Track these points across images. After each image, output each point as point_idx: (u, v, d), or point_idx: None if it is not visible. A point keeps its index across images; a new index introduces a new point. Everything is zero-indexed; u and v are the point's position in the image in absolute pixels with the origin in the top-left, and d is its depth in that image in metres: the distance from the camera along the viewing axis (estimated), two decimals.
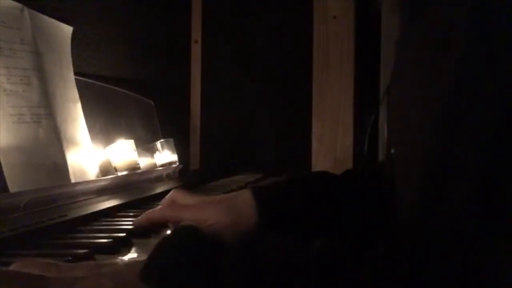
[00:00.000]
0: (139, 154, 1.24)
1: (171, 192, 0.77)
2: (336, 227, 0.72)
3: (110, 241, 0.66)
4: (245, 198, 0.71)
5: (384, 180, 0.67)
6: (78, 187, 0.99)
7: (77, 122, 1.08)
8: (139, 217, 0.74)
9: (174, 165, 1.43)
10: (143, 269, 0.45)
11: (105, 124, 1.22)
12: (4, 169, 0.85)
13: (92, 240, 0.68)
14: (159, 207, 0.75)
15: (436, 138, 0.49)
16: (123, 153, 1.19)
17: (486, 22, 0.47)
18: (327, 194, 0.73)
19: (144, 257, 0.48)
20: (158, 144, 1.40)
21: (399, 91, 0.63)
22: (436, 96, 0.50)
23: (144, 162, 1.31)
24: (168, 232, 0.73)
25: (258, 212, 0.69)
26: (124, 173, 1.17)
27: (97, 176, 1.10)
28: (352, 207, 0.73)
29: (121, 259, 0.50)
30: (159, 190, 1.16)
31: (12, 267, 0.48)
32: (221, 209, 0.69)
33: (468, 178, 0.45)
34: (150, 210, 0.74)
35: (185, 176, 1.49)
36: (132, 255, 0.63)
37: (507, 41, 0.45)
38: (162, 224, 0.74)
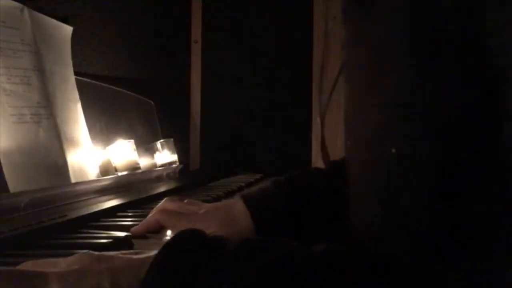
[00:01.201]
0: (139, 154, 1.24)
1: (163, 201, 0.78)
2: (329, 225, 0.72)
3: (110, 241, 0.66)
4: (239, 207, 0.72)
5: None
6: (78, 187, 0.99)
7: (77, 122, 1.08)
8: (136, 226, 0.75)
9: (174, 165, 1.43)
10: (145, 276, 0.45)
11: (105, 124, 1.22)
12: (4, 169, 0.85)
13: (92, 240, 0.68)
14: (151, 214, 0.75)
15: (379, 146, 0.49)
16: (123, 153, 1.19)
17: (423, 26, 0.45)
18: (315, 195, 0.75)
19: (143, 255, 0.48)
20: (158, 144, 1.40)
21: (349, 91, 0.62)
22: (379, 102, 0.50)
23: (144, 162, 1.31)
24: (168, 233, 0.74)
25: (254, 221, 0.71)
26: (124, 173, 1.17)
27: (97, 176, 1.10)
28: (341, 202, 0.73)
29: (122, 253, 0.50)
30: (159, 190, 1.16)
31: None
32: (216, 220, 0.71)
33: (422, 183, 0.45)
34: (145, 220, 0.75)
35: (185, 176, 1.49)
36: None
37: (444, 43, 0.44)
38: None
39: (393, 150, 0.59)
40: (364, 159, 0.54)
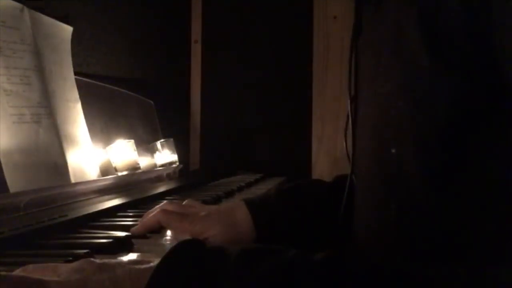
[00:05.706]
0: (139, 154, 1.24)
1: (163, 203, 0.78)
2: (330, 236, 0.73)
3: (110, 241, 0.66)
4: (242, 211, 0.73)
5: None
6: (78, 187, 0.99)
7: (77, 122, 1.08)
8: (136, 226, 0.75)
9: (174, 165, 1.43)
10: (147, 287, 0.45)
11: (105, 124, 1.22)
12: (4, 169, 0.85)
13: (92, 240, 0.68)
14: (152, 214, 0.75)
15: (380, 139, 0.50)
16: (123, 153, 1.18)
17: (435, 27, 0.46)
18: (317, 205, 0.76)
19: (144, 258, 0.48)
20: (158, 144, 1.40)
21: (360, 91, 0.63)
22: (383, 95, 0.50)
23: (144, 162, 1.31)
24: (168, 233, 0.74)
25: (255, 226, 0.71)
26: (124, 173, 1.17)
27: (97, 176, 1.10)
28: (338, 211, 0.74)
29: (123, 261, 0.49)
30: (159, 190, 1.16)
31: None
32: (218, 222, 0.71)
33: (419, 180, 0.46)
34: (146, 220, 0.75)
35: (185, 176, 1.49)
36: (132, 255, 0.63)
37: (455, 46, 0.44)
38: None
39: (393, 150, 0.59)
40: (369, 155, 0.54)
